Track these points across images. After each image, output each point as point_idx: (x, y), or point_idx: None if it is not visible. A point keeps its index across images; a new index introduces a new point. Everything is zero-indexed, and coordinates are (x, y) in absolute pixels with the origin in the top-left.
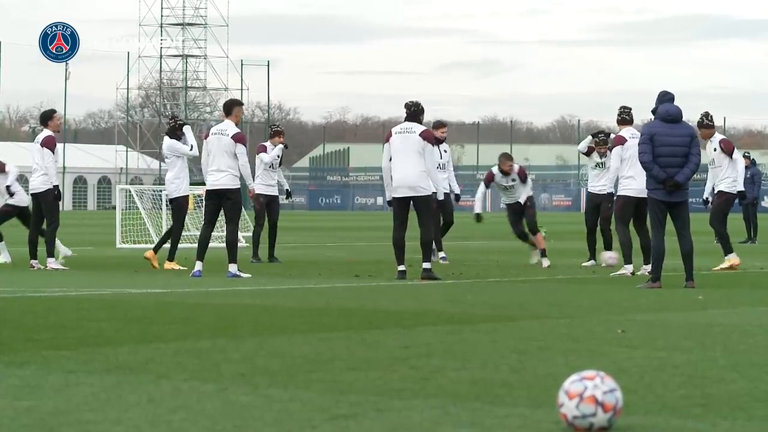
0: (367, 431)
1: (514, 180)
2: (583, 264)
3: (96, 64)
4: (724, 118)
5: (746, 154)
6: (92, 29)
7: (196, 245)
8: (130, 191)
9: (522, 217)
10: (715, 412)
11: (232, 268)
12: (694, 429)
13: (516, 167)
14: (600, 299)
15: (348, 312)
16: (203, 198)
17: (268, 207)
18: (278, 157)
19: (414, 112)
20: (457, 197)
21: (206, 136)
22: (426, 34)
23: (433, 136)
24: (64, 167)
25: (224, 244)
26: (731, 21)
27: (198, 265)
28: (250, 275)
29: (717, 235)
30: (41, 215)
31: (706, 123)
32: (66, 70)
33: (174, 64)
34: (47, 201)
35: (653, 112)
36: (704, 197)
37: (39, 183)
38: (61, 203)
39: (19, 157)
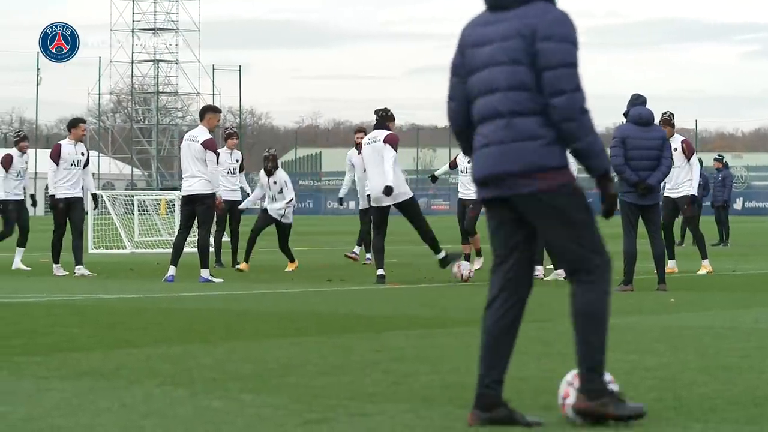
0: None
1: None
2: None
3: (67, 70)
4: (696, 120)
5: (718, 156)
6: None
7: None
8: (102, 196)
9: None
10: (687, 415)
11: (204, 273)
12: None
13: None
14: None
15: (320, 316)
16: (175, 203)
17: (229, 213)
18: (237, 161)
19: (382, 118)
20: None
21: (181, 142)
22: (397, 38)
23: (395, 140)
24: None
25: (196, 250)
26: (702, 24)
27: (171, 270)
28: (222, 280)
29: (694, 239)
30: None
31: (666, 119)
32: (38, 75)
33: (146, 69)
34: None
35: (625, 115)
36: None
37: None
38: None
39: None
